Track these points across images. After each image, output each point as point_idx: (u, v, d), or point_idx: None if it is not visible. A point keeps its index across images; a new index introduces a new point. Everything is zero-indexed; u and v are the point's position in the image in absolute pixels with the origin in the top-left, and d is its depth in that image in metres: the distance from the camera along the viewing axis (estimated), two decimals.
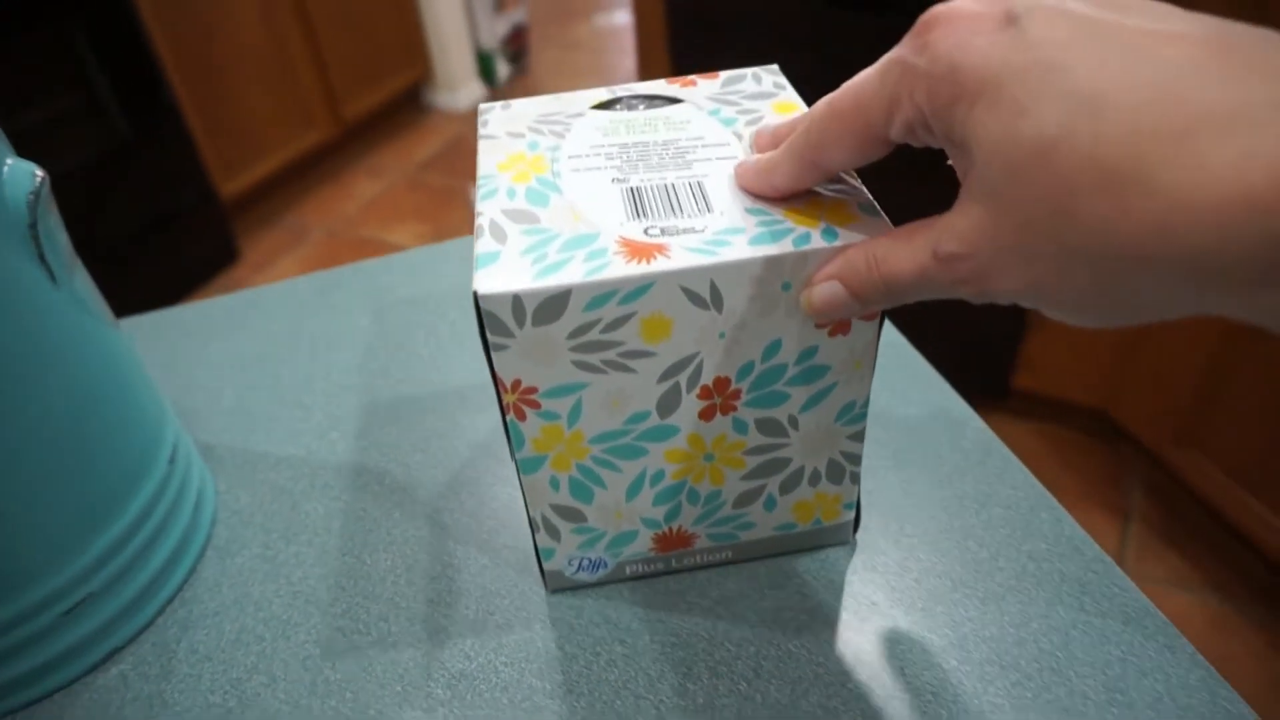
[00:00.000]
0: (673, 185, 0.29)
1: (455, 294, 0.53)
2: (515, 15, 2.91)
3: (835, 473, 0.33)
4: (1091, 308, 0.20)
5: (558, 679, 0.32)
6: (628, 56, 3.00)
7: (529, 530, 0.38)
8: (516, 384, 0.28)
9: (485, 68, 2.88)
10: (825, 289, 0.26)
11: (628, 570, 0.35)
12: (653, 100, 0.34)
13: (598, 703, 0.31)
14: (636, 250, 0.26)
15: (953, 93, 0.20)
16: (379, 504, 0.40)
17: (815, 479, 0.33)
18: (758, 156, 0.28)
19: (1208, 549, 1.29)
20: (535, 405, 0.28)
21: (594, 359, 0.27)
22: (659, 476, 0.31)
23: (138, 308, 1.47)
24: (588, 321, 0.26)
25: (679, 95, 0.34)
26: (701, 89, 0.34)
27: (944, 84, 0.20)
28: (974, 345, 1.40)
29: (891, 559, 0.35)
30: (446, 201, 2.38)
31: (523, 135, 0.32)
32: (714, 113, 0.33)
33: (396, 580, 0.36)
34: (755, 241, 0.26)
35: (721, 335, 0.27)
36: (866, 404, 0.31)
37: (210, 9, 2.00)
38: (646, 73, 1.54)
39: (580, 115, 0.33)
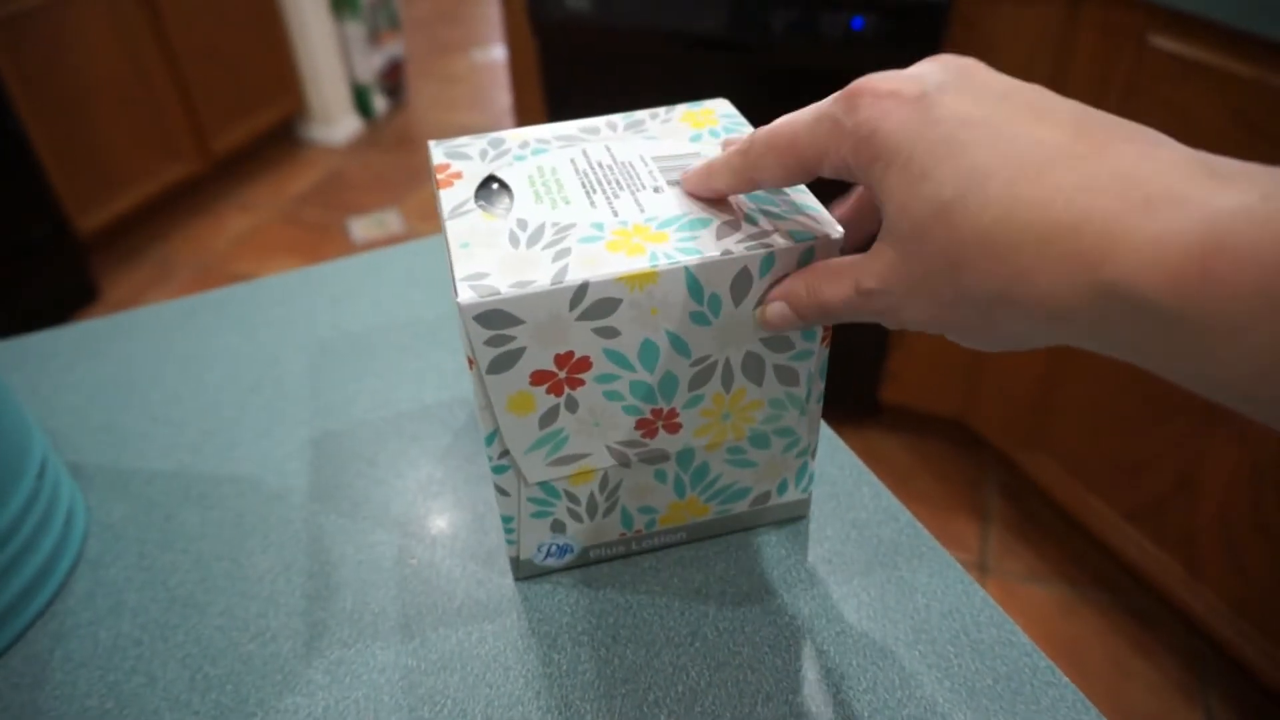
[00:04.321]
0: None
1: (326, 313, 0.54)
2: (391, 49, 2.91)
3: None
4: (980, 338, 0.25)
5: (433, 658, 0.34)
6: (505, 91, 3.04)
7: (383, 526, 0.40)
8: None
9: (362, 101, 2.86)
10: (776, 308, 0.30)
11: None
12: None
13: (470, 676, 0.34)
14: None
15: (872, 153, 0.24)
16: (254, 510, 0.41)
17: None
18: (703, 162, 0.31)
19: (1056, 543, 1.41)
20: None
21: None
22: None
23: None
24: None
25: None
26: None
27: (866, 145, 0.24)
28: (844, 363, 1.49)
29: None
30: (322, 236, 2.34)
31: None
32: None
33: (274, 580, 0.38)
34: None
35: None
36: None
37: (60, 36, 1.93)
38: (522, 107, 1.57)
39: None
